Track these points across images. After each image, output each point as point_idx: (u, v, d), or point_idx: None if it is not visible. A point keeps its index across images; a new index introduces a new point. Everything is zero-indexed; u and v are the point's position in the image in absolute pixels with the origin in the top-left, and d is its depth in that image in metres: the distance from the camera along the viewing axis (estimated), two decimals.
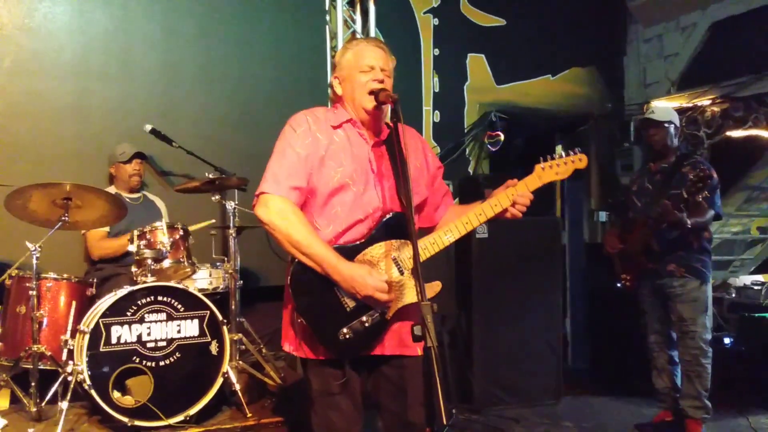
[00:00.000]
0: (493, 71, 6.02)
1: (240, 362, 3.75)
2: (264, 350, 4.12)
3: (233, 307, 3.87)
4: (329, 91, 2.42)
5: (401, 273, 2.21)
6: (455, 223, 2.29)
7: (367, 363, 2.29)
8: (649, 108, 4.01)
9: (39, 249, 3.43)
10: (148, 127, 4.37)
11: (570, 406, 4.38)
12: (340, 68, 2.33)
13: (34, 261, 3.42)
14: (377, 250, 2.20)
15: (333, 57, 5.33)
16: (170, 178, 4.78)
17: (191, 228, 3.89)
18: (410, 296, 2.22)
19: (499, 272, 4.22)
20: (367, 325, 2.16)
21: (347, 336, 2.14)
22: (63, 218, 3.48)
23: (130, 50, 4.72)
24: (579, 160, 2.34)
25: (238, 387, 3.50)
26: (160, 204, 4.50)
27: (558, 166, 2.32)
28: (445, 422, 1.74)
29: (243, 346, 3.94)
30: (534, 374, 4.35)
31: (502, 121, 5.88)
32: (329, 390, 2.22)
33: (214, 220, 4.28)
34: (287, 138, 2.23)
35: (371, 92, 2.23)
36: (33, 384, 3.39)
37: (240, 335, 3.85)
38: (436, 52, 5.79)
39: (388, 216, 2.23)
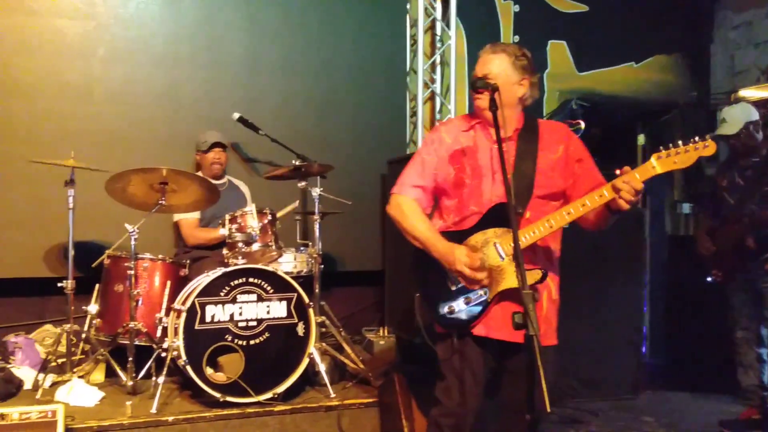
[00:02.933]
0: (574, 58, 5.93)
1: (323, 344, 3.86)
2: (343, 333, 4.21)
3: (316, 290, 3.97)
4: None
5: (501, 258, 2.39)
6: (559, 211, 2.36)
7: (484, 343, 2.48)
8: (721, 118, 3.84)
9: (137, 231, 3.59)
10: (236, 115, 4.50)
11: (649, 401, 4.32)
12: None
13: (132, 242, 3.58)
14: (481, 236, 2.44)
15: (413, 45, 5.38)
16: (255, 165, 4.92)
17: (279, 213, 4.00)
18: (510, 281, 2.38)
19: (579, 263, 4.16)
20: (468, 304, 2.44)
21: (450, 312, 2.45)
22: (160, 202, 3.64)
23: (217, 39, 4.87)
24: (704, 147, 2.22)
25: (322, 368, 3.60)
26: (245, 188, 4.65)
27: (678, 155, 2.23)
28: (548, 410, 1.78)
29: (323, 329, 4.04)
30: (612, 368, 4.31)
31: (583, 109, 5.79)
32: (449, 358, 2.50)
33: (297, 203, 4.37)
34: (420, 146, 2.71)
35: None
36: (130, 359, 3.56)
37: (323, 318, 3.95)
38: (516, 39, 5.74)
39: (493, 206, 2.43)
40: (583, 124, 5.72)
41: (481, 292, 2.42)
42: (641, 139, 6.26)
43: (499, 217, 2.39)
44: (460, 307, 2.44)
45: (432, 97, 5.51)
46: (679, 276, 5.06)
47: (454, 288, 2.46)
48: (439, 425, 2.55)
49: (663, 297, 5.34)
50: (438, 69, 5.48)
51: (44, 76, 4.46)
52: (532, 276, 2.28)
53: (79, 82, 4.53)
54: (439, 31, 5.44)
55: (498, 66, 2.48)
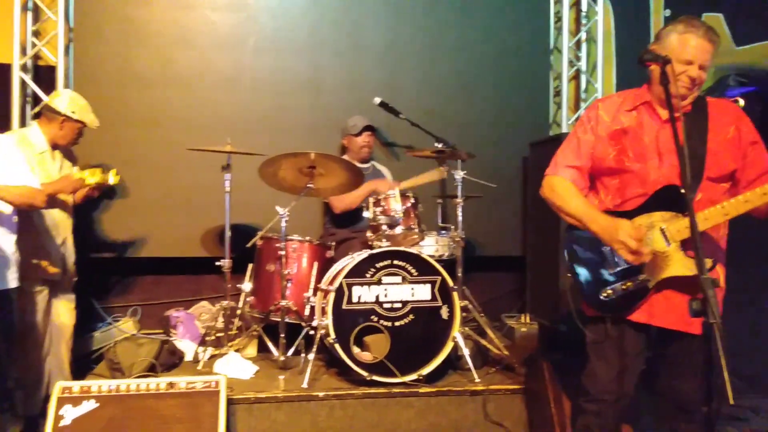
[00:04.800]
0: (731, 31, 5.47)
1: (465, 328, 3.83)
2: (484, 318, 4.16)
3: (459, 274, 3.94)
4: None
5: (668, 244, 2.28)
6: (736, 199, 2.22)
7: (642, 330, 2.40)
8: None
9: (287, 213, 3.73)
10: (378, 100, 4.54)
11: None
12: (661, 45, 2.35)
13: (283, 224, 3.73)
14: (646, 219, 2.33)
15: (557, 22, 5.19)
16: (394, 149, 4.96)
17: (407, 184, 4.00)
18: (675, 268, 2.27)
19: (739, 253, 3.86)
20: (628, 288, 2.35)
21: (608, 295, 2.38)
22: (308, 185, 3.76)
23: (358, 25, 4.93)
24: None
25: (466, 352, 3.57)
26: (387, 173, 4.70)
27: None
28: (731, 401, 1.66)
29: (464, 314, 4.01)
30: None
31: (741, 86, 5.33)
32: (600, 343, 2.44)
33: (434, 172, 4.31)
34: (576, 125, 2.57)
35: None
36: (282, 336, 3.71)
37: (466, 302, 3.92)
38: (667, 13, 5.36)
39: (661, 188, 2.32)
40: (742, 102, 5.28)
41: (642, 277, 2.33)
42: None
43: (667, 200, 2.29)
44: (618, 292, 2.37)
45: (577, 76, 5.29)
46: None
47: (612, 271, 2.39)
48: (584, 411, 2.50)
49: None
50: (583, 46, 5.25)
51: (199, 67, 4.73)
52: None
53: (230, 72, 4.76)
54: (584, 7, 5.20)
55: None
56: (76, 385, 2.94)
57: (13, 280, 3.07)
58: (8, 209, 3.06)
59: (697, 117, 2.35)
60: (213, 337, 3.96)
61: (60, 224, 3.64)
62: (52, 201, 3.40)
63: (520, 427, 3.46)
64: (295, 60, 4.84)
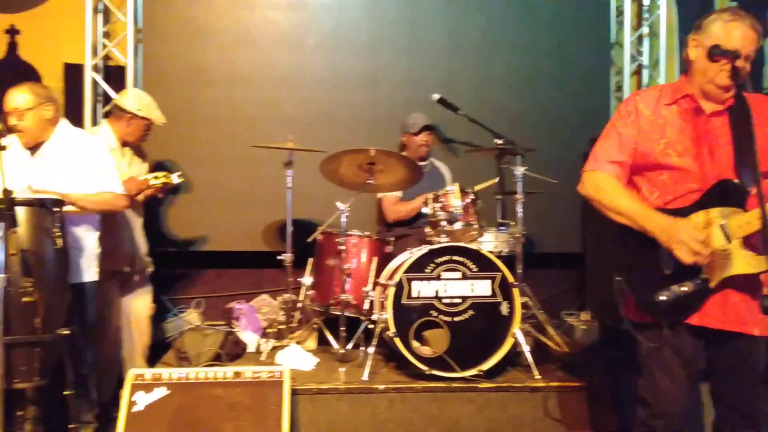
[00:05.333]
0: None
1: (525, 325, 3.82)
2: (543, 315, 4.13)
3: (519, 270, 3.93)
4: (683, 51, 2.33)
5: (728, 241, 2.17)
6: None
7: (700, 334, 2.26)
8: None
9: (347, 209, 3.78)
10: (436, 96, 4.55)
11: None
12: (704, 33, 2.26)
13: (343, 219, 3.78)
14: (702, 216, 2.22)
15: (618, 16, 5.11)
16: (452, 146, 4.97)
17: (476, 188, 4.01)
18: (738, 266, 2.17)
19: None
20: (686, 290, 2.21)
21: (664, 299, 2.23)
22: (368, 181, 3.80)
23: (417, 22, 4.96)
24: None
25: (526, 348, 3.57)
26: (445, 170, 4.72)
27: None
28: None
29: (524, 310, 3.99)
30: None
31: None
32: (657, 351, 2.29)
33: (497, 179, 4.34)
34: (613, 119, 2.45)
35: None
36: (342, 329, 3.76)
37: (526, 298, 3.91)
38: (734, 4, 5.23)
39: (716, 183, 2.21)
40: None
41: (702, 277, 2.20)
42: None
43: (724, 195, 2.19)
44: (676, 294, 2.22)
45: (638, 71, 5.21)
46: None
47: (668, 272, 2.23)
48: (650, 427, 2.35)
49: None
50: (645, 41, 5.17)
51: (261, 65, 4.84)
52: (761, 263, 2.08)
53: (291, 70, 4.85)
54: (646, 1, 5.12)
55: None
56: (148, 373, 3.06)
57: (94, 274, 3.25)
58: None
59: (740, 111, 2.22)
60: (274, 329, 4.05)
61: (130, 220, 3.79)
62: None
63: (580, 424, 3.42)
64: (354, 57, 4.90)
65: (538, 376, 3.49)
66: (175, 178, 3.79)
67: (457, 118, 4.59)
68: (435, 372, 3.39)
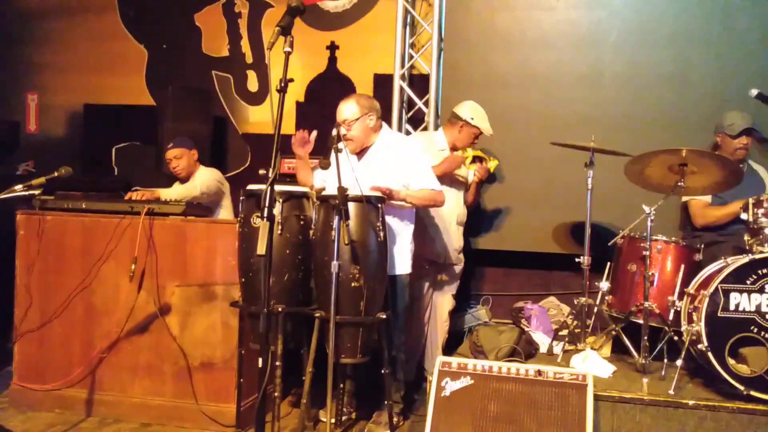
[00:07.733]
0: None
1: None
2: None
3: None
4: None
5: None
6: None
7: None
8: None
9: (653, 213, 3.59)
10: (754, 92, 4.08)
11: None
12: None
13: (649, 223, 3.59)
14: None
15: None
16: None
17: None
18: None
19: None
20: None
21: None
22: (679, 183, 3.57)
23: (730, 10, 4.55)
24: None
25: None
26: (763, 172, 4.25)
27: None
28: None
29: None
30: None
31: None
32: None
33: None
34: None
35: None
36: (644, 338, 3.58)
37: None
38: None
39: None
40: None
41: None
42: None
43: None
44: None
45: None
46: None
47: None
48: None
49: None
50: None
51: (557, 66, 4.82)
52: None
53: (589, 69, 4.76)
54: None
55: None
56: (455, 362, 3.24)
57: (408, 267, 3.57)
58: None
59: None
60: (565, 332, 4.00)
61: (445, 215, 4.06)
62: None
63: None
64: (658, 53, 4.65)
65: None
66: (491, 162, 4.06)
67: None
68: (753, 393, 3.10)
